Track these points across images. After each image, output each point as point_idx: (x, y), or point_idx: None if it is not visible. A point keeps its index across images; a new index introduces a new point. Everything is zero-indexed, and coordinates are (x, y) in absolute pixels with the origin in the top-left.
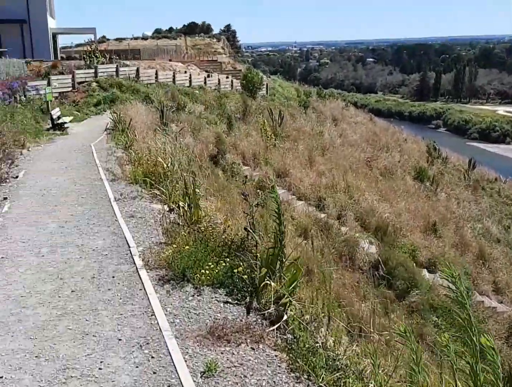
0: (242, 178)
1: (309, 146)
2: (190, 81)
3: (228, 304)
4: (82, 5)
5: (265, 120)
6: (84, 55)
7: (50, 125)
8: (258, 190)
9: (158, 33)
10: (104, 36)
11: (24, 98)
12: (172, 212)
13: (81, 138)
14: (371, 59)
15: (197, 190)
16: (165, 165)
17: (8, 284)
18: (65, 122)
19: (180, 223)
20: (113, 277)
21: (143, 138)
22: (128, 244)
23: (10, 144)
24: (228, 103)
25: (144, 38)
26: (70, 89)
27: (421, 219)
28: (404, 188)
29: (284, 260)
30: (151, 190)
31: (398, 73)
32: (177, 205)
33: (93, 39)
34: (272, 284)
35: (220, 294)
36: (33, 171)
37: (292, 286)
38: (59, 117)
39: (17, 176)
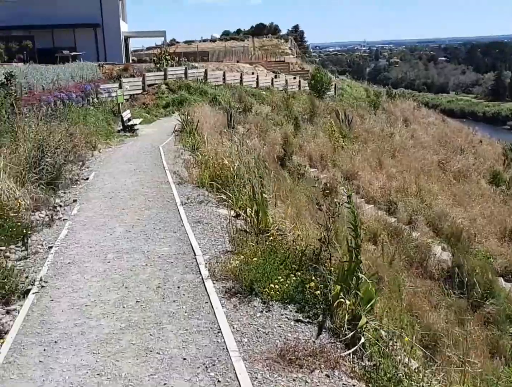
0: (310, 181)
1: (379, 148)
2: (257, 82)
3: (299, 323)
4: (152, 9)
5: (333, 121)
6: (154, 58)
7: (121, 127)
8: (327, 193)
9: (226, 35)
10: (173, 39)
11: (97, 101)
12: (238, 218)
13: (150, 140)
14: (443, 58)
15: (264, 195)
16: (231, 169)
17: (73, 292)
18: (135, 124)
19: (247, 230)
20: (178, 287)
21: (210, 140)
22: (194, 251)
23: (82, 146)
24: (295, 104)
25: (213, 40)
26: (140, 91)
27: (497, 225)
28: (478, 192)
29: (360, 276)
30: (217, 195)
31: (471, 72)
32: (244, 211)
33: (163, 42)
34: (347, 302)
35: (291, 311)
36: (102, 173)
37: (369, 304)
38: (129, 119)
39: (87, 178)
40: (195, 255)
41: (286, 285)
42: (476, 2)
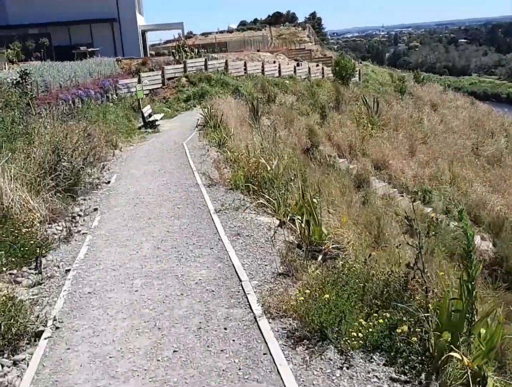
0: (341, 173)
1: (409, 135)
2: (279, 71)
3: (395, 383)
4: (167, 2)
5: (360, 109)
6: (173, 50)
7: (142, 124)
8: (358, 185)
9: (243, 25)
10: (190, 32)
11: (116, 97)
12: (283, 227)
13: (173, 135)
14: (463, 40)
15: (314, 200)
16: (269, 168)
17: (94, 335)
18: (156, 120)
19: (299, 244)
20: (225, 328)
21: (236, 135)
22: (238, 275)
23: (102, 146)
24: (320, 92)
25: (230, 31)
26: (160, 85)
27: None
28: None
29: (474, 319)
30: (255, 199)
31: (493, 53)
32: (288, 218)
33: (180, 34)
34: (459, 356)
35: (378, 364)
36: (125, 176)
37: (489, 354)
38: (150, 115)
39: (108, 181)
40: (240, 280)
41: (370, 329)
42: None
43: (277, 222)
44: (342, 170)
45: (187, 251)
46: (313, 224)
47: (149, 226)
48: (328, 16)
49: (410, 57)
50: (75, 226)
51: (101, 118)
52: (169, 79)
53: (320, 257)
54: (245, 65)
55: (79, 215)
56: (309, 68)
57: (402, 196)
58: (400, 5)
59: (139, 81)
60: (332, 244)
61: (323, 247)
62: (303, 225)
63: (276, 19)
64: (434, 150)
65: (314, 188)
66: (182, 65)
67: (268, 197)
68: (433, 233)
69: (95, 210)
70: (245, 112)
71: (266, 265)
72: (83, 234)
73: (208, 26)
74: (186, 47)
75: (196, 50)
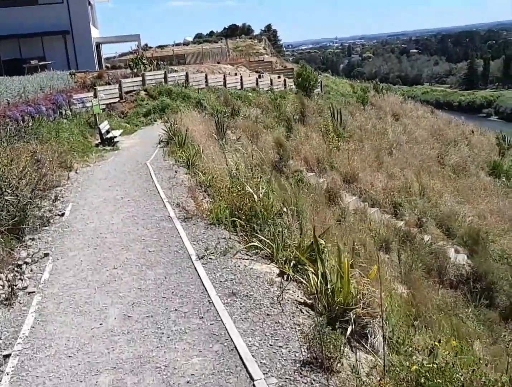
0: (311, 188)
1: (375, 146)
2: (241, 84)
3: None
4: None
5: (326, 121)
6: (130, 63)
7: (99, 141)
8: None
9: (199, 38)
10: (146, 44)
11: (70, 113)
12: (288, 279)
13: (134, 154)
14: (415, 50)
15: (321, 242)
16: (256, 198)
17: None
18: (115, 137)
19: (308, 301)
20: None
21: (205, 152)
22: (246, 367)
23: (55, 170)
24: (284, 104)
25: (186, 43)
26: (117, 99)
27: (508, 221)
28: (480, 186)
29: None
30: (244, 238)
31: (444, 62)
32: (291, 265)
33: (137, 46)
34: None
35: None
36: (82, 205)
37: None
38: (108, 131)
39: (62, 214)
40: (251, 378)
41: None
42: None
43: (277, 271)
44: (312, 184)
45: (169, 322)
46: (339, 282)
47: (114, 280)
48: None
49: (364, 68)
50: (20, 279)
51: (54, 137)
52: (127, 93)
53: (349, 329)
54: (206, 77)
55: (26, 262)
56: (271, 80)
57: (373, 208)
58: (353, 17)
59: (95, 96)
60: (363, 310)
61: (352, 312)
62: (317, 280)
63: (232, 31)
64: (400, 161)
65: (312, 220)
66: (140, 78)
67: (261, 237)
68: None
69: (46, 255)
70: (210, 127)
71: (281, 347)
72: (29, 293)
73: (164, 39)
74: (144, 59)
75: (155, 62)
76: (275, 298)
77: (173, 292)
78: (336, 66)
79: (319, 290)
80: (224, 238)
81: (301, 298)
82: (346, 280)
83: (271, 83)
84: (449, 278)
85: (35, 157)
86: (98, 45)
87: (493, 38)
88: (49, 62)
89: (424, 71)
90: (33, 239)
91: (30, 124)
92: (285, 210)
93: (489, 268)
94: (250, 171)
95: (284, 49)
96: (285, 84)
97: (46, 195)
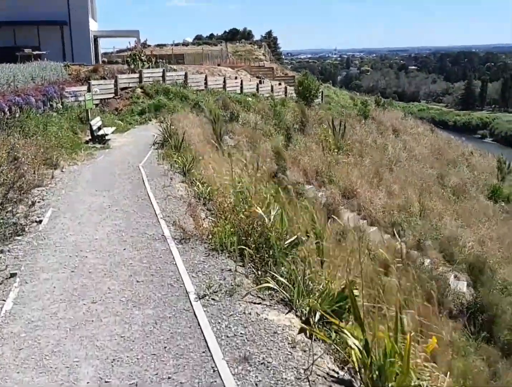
0: (310, 202)
1: (376, 162)
2: (241, 88)
3: None
4: (122, 11)
5: (326, 132)
6: (128, 58)
7: (90, 137)
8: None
9: (199, 39)
10: (145, 42)
11: (61, 106)
12: (312, 336)
13: (126, 154)
14: (413, 67)
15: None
16: (266, 221)
17: None
18: (107, 134)
19: (346, 376)
20: None
21: (202, 157)
22: None
23: (38, 167)
24: (284, 112)
25: (185, 44)
26: (112, 95)
27: (509, 248)
28: (480, 209)
29: None
30: (254, 272)
31: (442, 81)
32: (317, 318)
33: (136, 42)
34: None
35: None
36: (63, 211)
37: None
38: (99, 128)
39: (40, 221)
40: None
41: None
42: (445, 13)
43: (298, 323)
44: (310, 198)
45: None
46: (377, 348)
47: (92, 321)
48: (282, 36)
49: (361, 81)
50: None
51: (41, 131)
52: (122, 89)
53: None
54: (206, 79)
55: None
56: (272, 86)
57: (372, 227)
58: (353, 29)
59: (89, 90)
60: None
61: None
62: (358, 352)
63: (232, 35)
64: (400, 179)
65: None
66: (137, 75)
67: (276, 275)
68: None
69: (13, 275)
70: (207, 130)
71: None
72: None
73: (163, 39)
74: (142, 55)
75: (153, 60)
76: (301, 370)
77: (165, 347)
78: (334, 77)
79: (361, 365)
80: (230, 270)
81: (332, 369)
82: (406, 364)
83: (272, 90)
84: (449, 307)
85: (14, 154)
86: (96, 39)
87: (492, 60)
88: (44, 52)
89: (421, 88)
90: (1, 251)
91: (17, 115)
92: (303, 238)
93: (493, 300)
94: (253, 184)
95: (283, 56)
96: (285, 92)
97: (23, 198)
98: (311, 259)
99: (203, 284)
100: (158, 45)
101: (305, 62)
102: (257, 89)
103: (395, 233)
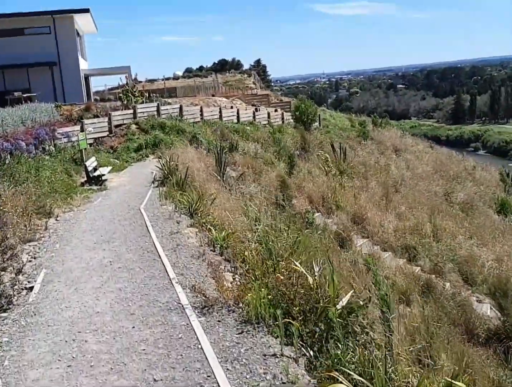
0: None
1: (381, 183)
2: (238, 117)
3: None
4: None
5: (328, 156)
6: (120, 95)
7: (85, 179)
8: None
9: (189, 72)
10: (136, 78)
11: (53, 148)
12: None
13: (125, 195)
14: (401, 86)
15: None
16: (311, 281)
17: None
18: (103, 175)
19: None
20: None
21: (208, 193)
22: None
23: (29, 218)
24: (283, 138)
25: (176, 78)
26: (106, 134)
27: None
28: (491, 225)
29: None
30: (300, 349)
31: (431, 97)
32: None
33: (127, 77)
34: None
35: None
36: (57, 274)
37: None
38: (95, 169)
39: (31, 287)
40: None
41: None
42: (428, 30)
43: None
44: (319, 226)
45: None
46: None
47: None
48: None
49: (351, 102)
50: None
51: (33, 176)
52: (117, 126)
53: None
54: (201, 110)
55: None
56: (268, 113)
57: (385, 252)
58: (340, 53)
59: (82, 129)
60: None
61: None
62: None
63: (221, 66)
64: (408, 200)
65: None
66: (131, 111)
67: (344, 367)
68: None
69: None
70: (208, 163)
71: None
72: None
73: (153, 74)
74: (135, 91)
75: (147, 94)
76: None
77: None
78: (325, 100)
79: None
80: (274, 355)
81: None
82: None
83: (269, 117)
84: (476, 333)
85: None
86: (86, 78)
87: (478, 74)
88: (34, 94)
89: (411, 105)
90: None
91: (7, 162)
92: (361, 302)
93: None
94: (273, 224)
95: (273, 84)
96: (283, 118)
97: (8, 265)
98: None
99: (244, 382)
100: (149, 80)
101: (294, 88)
102: (254, 117)
103: (410, 257)
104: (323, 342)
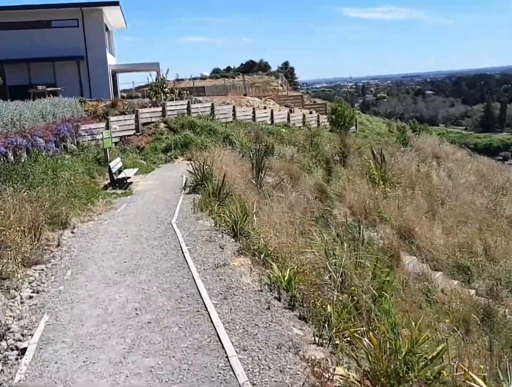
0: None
1: (426, 194)
2: (271, 118)
3: None
4: (135, 50)
5: (369, 163)
6: (149, 91)
7: (109, 181)
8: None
9: (216, 73)
10: (167, 73)
11: (76, 146)
12: None
13: (152, 202)
14: (430, 92)
15: None
16: None
17: None
18: (128, 177)
19: None
20: None
21: (252, 205)
22: None
23: (40, 231)
24: (321, 142)
25: (203, 78)
26: (133, 132)
27: None
28: None
29: None
30: None
31: (460, 104)
32: None
33: (157, 73)
34: None
35: None
36: (62, 327)
37: None
38: (120, 171)
39: (24, 349)
40: None
41: None
42: (456, 36)
43: None
44: (366, 241)
45: None
46: None
47: None
48: (298, 67)
49: (378, 107)
50: None
51: (50, 179)
52: (144, 124)
53: None
54: (234, 110)
55: None
56: (303, 115)
57: (437, 272)
58: (367, 57)
59: (107, 127)
60: None
61: None
62: None
63: (249, 67)
64: (454, 212)
65: None
66: (160, 108)
67: None
68: None
69: None
70: (244, 168)
71: None
72: None
73: (180, 74)
74: (165, 87)
75: (177, 91)
76: None
77: None
78: (352, 104)
79: None
80: None
81: None
82: None
83: (304, 119)
84: None
85: None
86: (114, 74)
87: (508, 82)
88: (59, 88)
89: (439, 112)
90: None
91: (22, 160)
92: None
93: None
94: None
95: (299, 86)
96: (318, 121)
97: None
98: None
99: None
100: (176, 80)
101: (320, 92)
102: (288, 119)
103: (464, 278)
104: None
